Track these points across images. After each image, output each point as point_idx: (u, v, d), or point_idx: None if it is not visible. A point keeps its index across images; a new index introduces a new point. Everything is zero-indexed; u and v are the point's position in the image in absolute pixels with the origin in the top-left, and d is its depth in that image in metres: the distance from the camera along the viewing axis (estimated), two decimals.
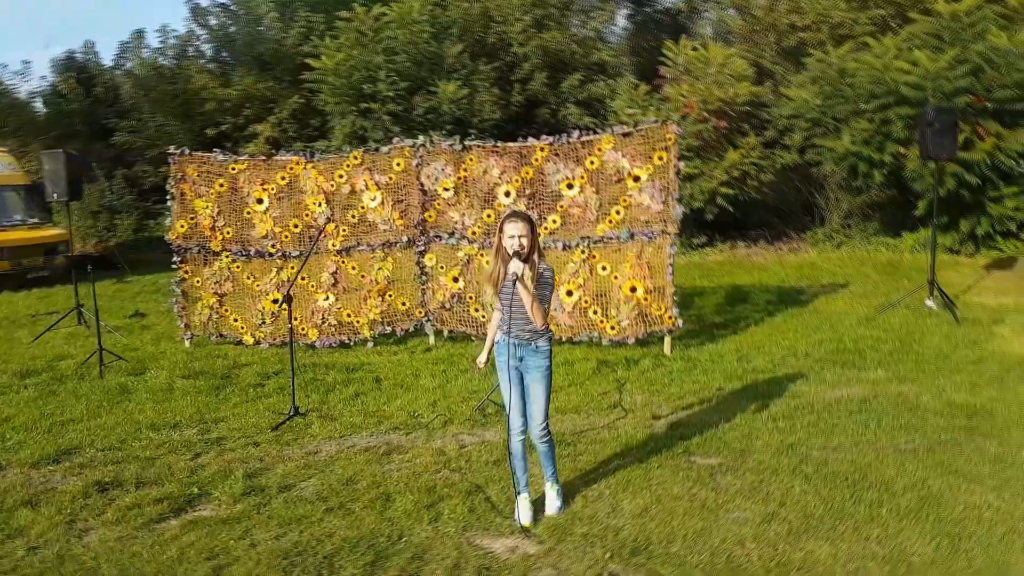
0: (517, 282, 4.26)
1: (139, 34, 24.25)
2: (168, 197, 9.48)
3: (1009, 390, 6.60)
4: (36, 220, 15.63)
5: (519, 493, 4.60)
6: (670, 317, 8.16)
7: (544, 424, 4.51)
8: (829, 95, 14.30)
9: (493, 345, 4.68)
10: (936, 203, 10.04)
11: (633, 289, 8.19)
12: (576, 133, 8.45)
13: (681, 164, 8.12)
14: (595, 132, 8.56)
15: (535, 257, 4.37)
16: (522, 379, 4.51)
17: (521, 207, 8.47)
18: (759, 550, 4.16)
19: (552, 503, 4.69)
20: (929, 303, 9.66)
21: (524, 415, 4.52)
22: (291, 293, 6.73)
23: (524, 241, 4.28)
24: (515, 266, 4.24)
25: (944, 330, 8.72)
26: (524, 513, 4.54)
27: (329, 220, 9.00)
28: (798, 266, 14.08)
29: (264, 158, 9.45)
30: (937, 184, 10.58)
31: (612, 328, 8.28)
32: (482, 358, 4.79)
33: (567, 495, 4.81)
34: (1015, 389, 6.62)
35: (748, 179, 15.10)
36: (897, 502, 4.63)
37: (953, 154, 9.72)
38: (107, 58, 33.74)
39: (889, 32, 14.38)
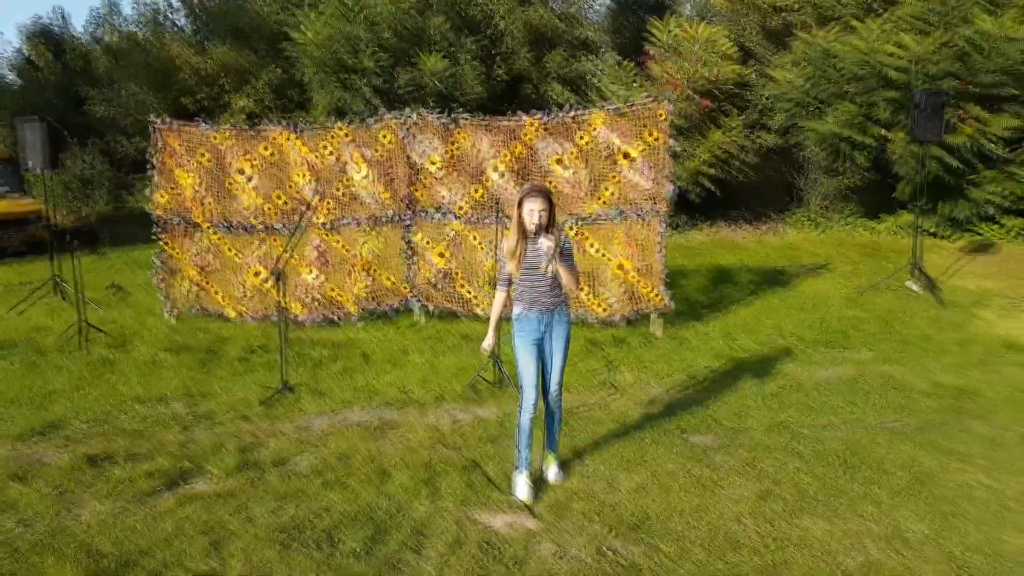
0: (552, 258, 4.34)
1: (111, 1, 23.72)
2: (149, 168, 9.28)
3: (994, 372, 6.70)
4: (6, 189, 15.27)
5: (518, 468, 4.62)
6: (659, 296, 8.17)
7: (560, 384, 4.70)
8: (813, 76, 14.33)
9: (499, 325, 4.75)
10: (920, 186, 10.13)
11: (622, 267, 8.19)
12: (567, 109, 8.39)
13: (673, 142, 8.09)
14: (581, 109, 8.49)
15: (554, 230, 4.46)
16: (541, 353, 4.56)
17: (511, 184, 8.42)
18: (756, 526, 4.21)
19: (554, 471, 4.77)
20: (911, 285, 9.77)
21: (538, 390, 4.57)
22: (280, 267, 6.63)
23: (543, 216, 4.38)
24: (546, 243, 4.34)
25: (927, 312, 8.82)
26: (524, 490, 4.56)
27: (318, 194, 8.86)
28: (779, 247, 14.16)
29: (248, 129, 9.28)
30: (921, 167, 10.67)
31: (600, 307, 8.28)
32: (489, 341, 4.77)
33: (561, 470, 4.83)
34: (1000, 371, 6.72)
35: (731, 159, 15.12)
36: (890, 480, 4.69)
37: (940, 137, 9.80)
38: (79, 25, 33.03)
39: (873, 14, 14.40)
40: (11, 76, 22.26)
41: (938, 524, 4.19)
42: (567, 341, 4.65)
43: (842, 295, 9.87)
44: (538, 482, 4.69)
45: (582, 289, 8.29)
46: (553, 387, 4.66)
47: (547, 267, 4.36)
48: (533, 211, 4.37)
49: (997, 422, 5.60)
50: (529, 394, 4.54)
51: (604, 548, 4.01)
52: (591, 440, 5.40)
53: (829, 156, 14.26)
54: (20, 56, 22.01)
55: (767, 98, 15.40)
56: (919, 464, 4.91)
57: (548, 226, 4.42)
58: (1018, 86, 12.20)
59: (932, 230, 13.37)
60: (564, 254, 4.44)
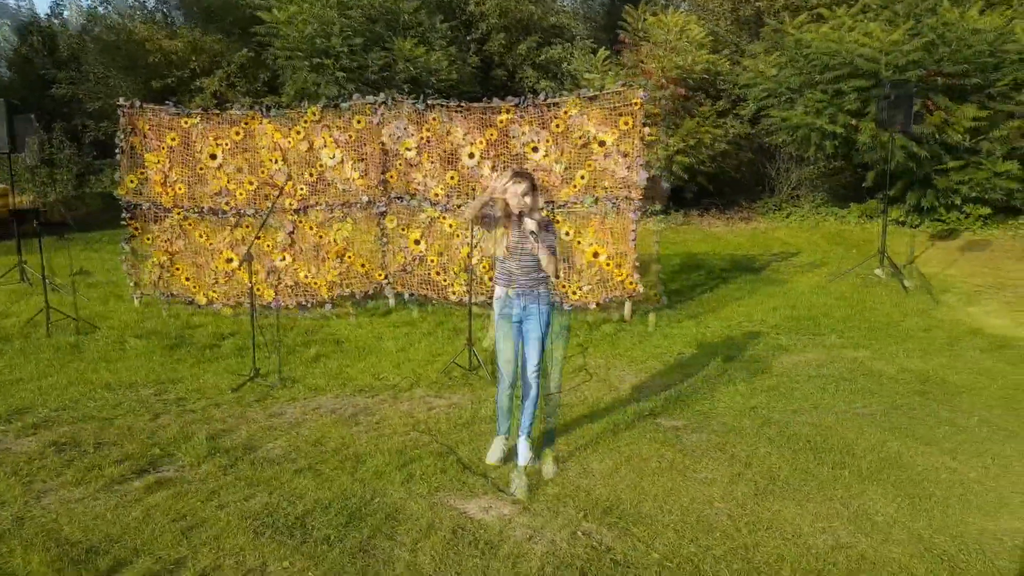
0: (536, 237, 4.41)
1: None
2: (117, 151, 9.13)
3: (958, 358, 6.83)
4: None
5: (497, 435, 4.78)
6: (631, 283, 8.20)
7: (538, 363, 4.69)
8: (784, 66, 14.42)
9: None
10: (888, 175, 10.26)
11: (596, 254, 8.21)
12: (542, 95, 8.39)
13: (647, 130, 8.11)
14: (556, 96, 8.49)
15: (536, 214, 4.54)
16: (520, 335, 4.63)
17: (485, 170, 8.40)
18: (728, 509, 4.25)
19: (524, 454, 4.76)
20: (879, 272, 9.90)
21: (515, 371, 4.64)
22: (251, 252, 6.56)
23: (527, 199, 4.45)
24: (530, 225, 4.41)
25: (894, 299, 8.96)
26: (496, 452, 4.74)
27: (289, 179, 8.77)
28: (749, 235, 14.30)
29: (218, 112, 9.15)
30: (890, 156, 10.80)
31: (574, 293, 8.30)
32: (491, 337, 4.88)
33: (537, 456, 4.84)
34: (964, 357, 6.85)
35: (703, 148, 15.20)
36: (858, 464, 4.76)
37: (908, 127, 9.93)
38: (42, 5, 32.30)
39: (845, 4, 14.52)
40: None
41: (905, 506, 4.26)
42: (547, 325, 4.67)
43: (812, 282, 9.99)
44: (509, 456, 4.80)
45: (558, 277, 8.29)
46: (530, 371, 4.66)
47: (531, 247, 4.43)
48: (517, 193, 4.43)
49: (960, 406, 5.71)
50: (506, 373, 4.61)
51: (578, 532, 4.03)
52: (563, 425, 5.42)
53: (800, 145, 14.38)
54: None
55: (739, 87, 15.49)
56: (886, 448, 4.99)
57: (531, 209, 4.50)
58: (983, 77, 12.38)
59: (900, 219, 13.55)
60: (548, 232, 4.53)
